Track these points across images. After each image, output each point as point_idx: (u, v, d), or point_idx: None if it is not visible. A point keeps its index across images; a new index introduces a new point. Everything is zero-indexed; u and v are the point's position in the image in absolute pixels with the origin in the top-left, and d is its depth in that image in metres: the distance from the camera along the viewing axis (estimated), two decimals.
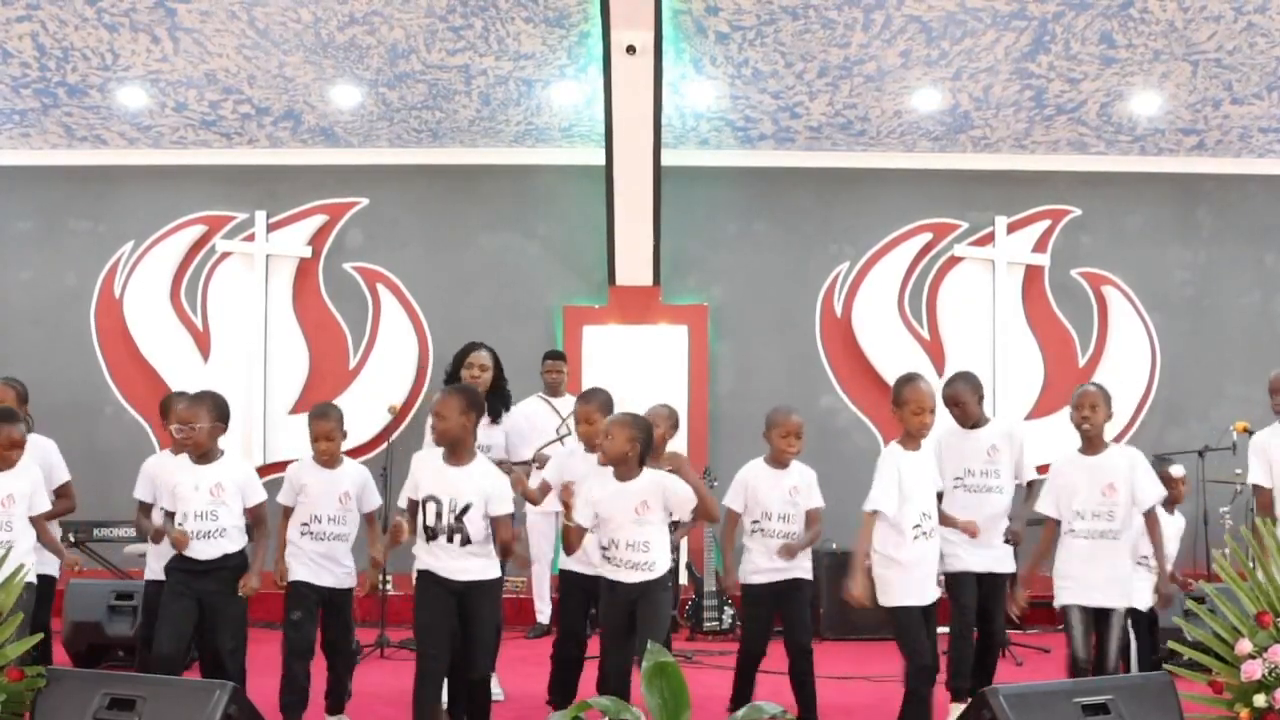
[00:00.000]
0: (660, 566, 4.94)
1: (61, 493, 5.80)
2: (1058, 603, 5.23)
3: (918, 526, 5.05)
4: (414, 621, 4.92)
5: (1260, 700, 4.26)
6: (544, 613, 8.13)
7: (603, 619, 5.10)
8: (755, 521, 5.53)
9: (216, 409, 5.18)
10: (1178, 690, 4.62)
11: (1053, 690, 4.69)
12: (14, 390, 5.89)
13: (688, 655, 7.02)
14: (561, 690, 5.60)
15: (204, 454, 5.21)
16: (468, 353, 6.33)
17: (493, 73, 8.43)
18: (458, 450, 4.86)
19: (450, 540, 4.79)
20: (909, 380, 5.16)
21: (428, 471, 4.87)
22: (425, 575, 4.87)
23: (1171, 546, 6.02)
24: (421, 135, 9.36)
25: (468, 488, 4.79)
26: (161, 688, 4.57)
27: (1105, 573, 5.13)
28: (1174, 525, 6.19)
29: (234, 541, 5.22)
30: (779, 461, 5.53)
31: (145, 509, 5.64)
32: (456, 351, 6.45)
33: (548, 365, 8.22)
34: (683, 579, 8.26)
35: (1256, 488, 6.17)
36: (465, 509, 4.79)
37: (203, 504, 5.11)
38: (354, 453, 9.11)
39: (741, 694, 5.55)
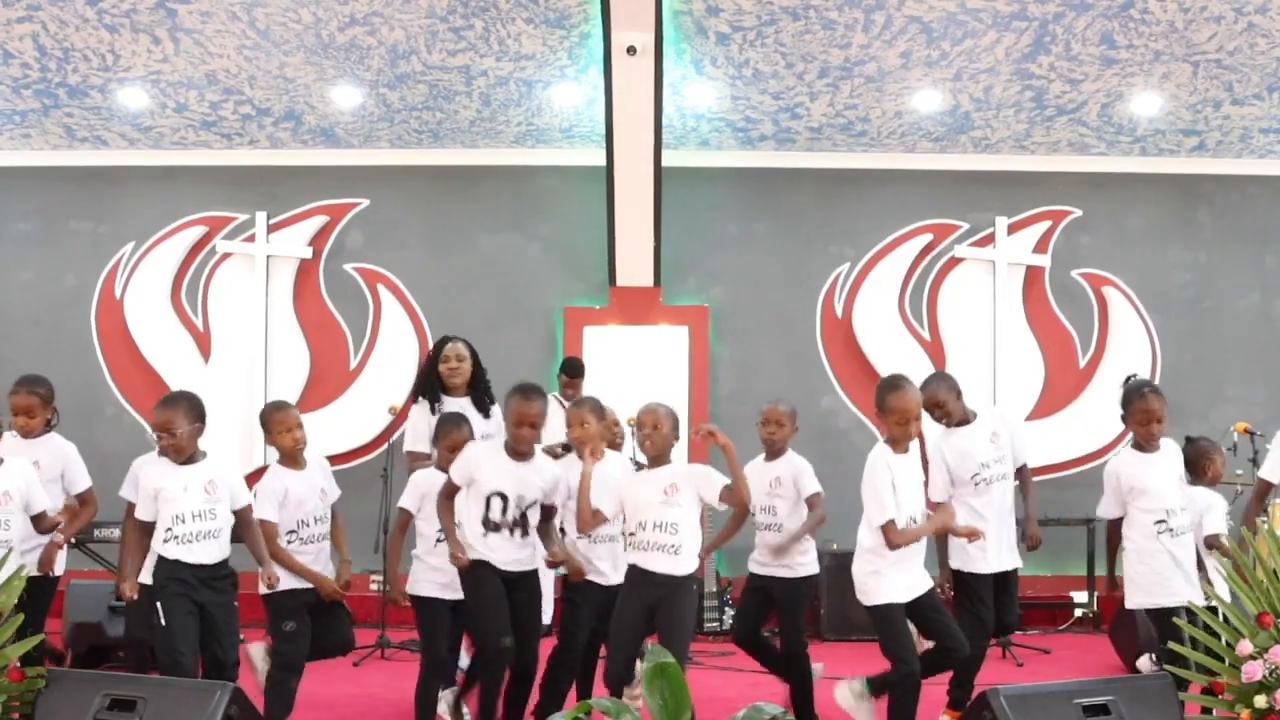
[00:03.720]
0: (688, 553, 4.89)
1: (83, 499, 5.76)
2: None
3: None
4: (472, 608, 5.00)
5: (1261, 701, 4.26)
6: (544, 613, 8.12)
7: (617, 612, 4.99)
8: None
9: (193, 410, 4.97)
10: (1178, 691, 4.62)
11: (1053, 691, 4.69)
12: (37, 396, 5.70)
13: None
14: (553, 696, 5.41)
15: (187, 456, 4.99)
16: (443, 345, 6.21)
17: (493, 74, 8.43)
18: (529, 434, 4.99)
19: (512, 534, 4.96)
20: (894, 388, 4.95)
21: (492, 467, 4.96)
22: (481, 565, 4.97)
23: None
24: (422, 136, 9.36)
25: (536, 485, 5.01)
26: (162, 688, 4.58)
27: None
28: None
29: (226, 548, 5.03)
30: (770, 452, 5.59)
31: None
32: (432, 346, 6.36)
33: (562, 379, 8.17)
34: None
35: (1263, 480, 5.87)
36: (531, 505, 4.99)
37: (198, 504, 4.92)
38: (354, 454, 9.18)
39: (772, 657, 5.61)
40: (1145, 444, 5.29)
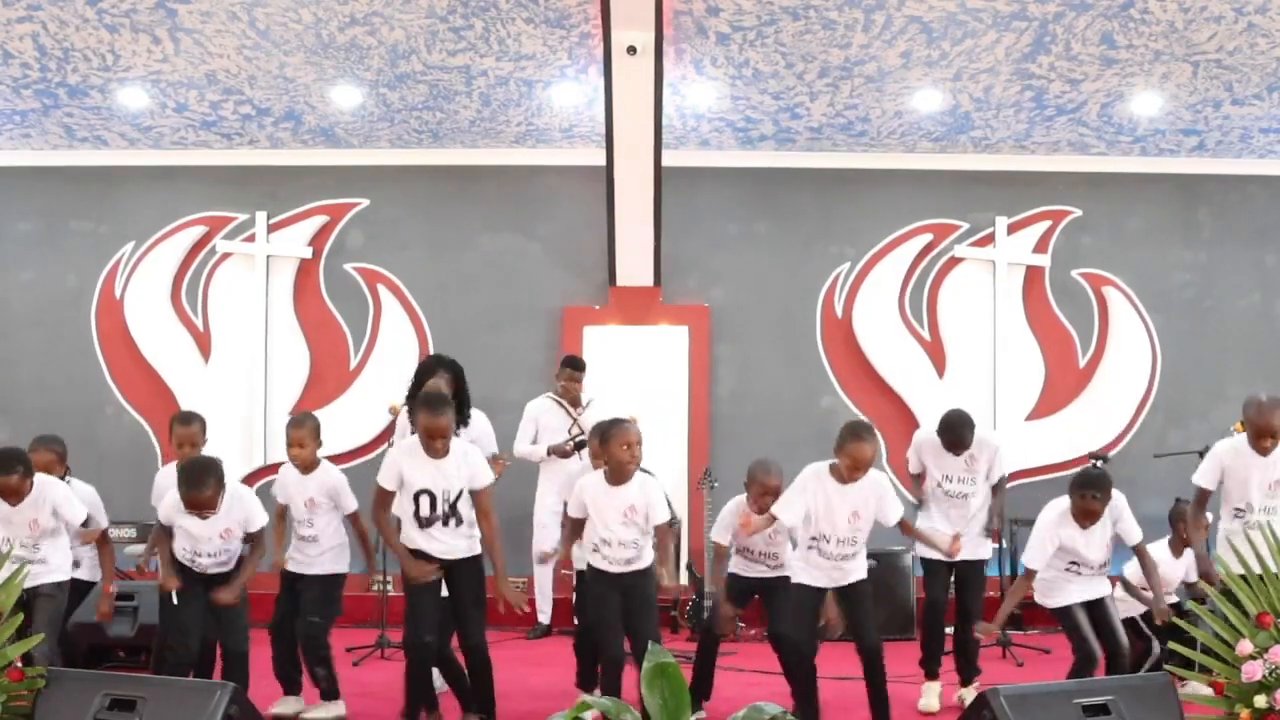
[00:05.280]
0: (648, 556, 5.39)
1: (101, 539, 5.86)
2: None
3: (813, 540, 5.39)
4: (406, 602, 5.27)
5: (1261, 701, 4.27)
6: (545, 613, 8.13)
7: (594, 605, 5.47)
8: (739, 551, 5.90)
9: (221, 479, 5.31)
10: (1178, 691, 4.62)
11: (1053, 690, 4.69)
12: (54, 452, 5.97)
13: (688, 656, 7.01)
14: (590, 679, 5.92)
15: None
16: (426, 375, 6.19)
17: (493, 73, 8.43)
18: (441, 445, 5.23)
19: (446, 525, 5.24)
20: (854, 435, 5.30)
21: (413, 467, 5.23)
22: (419, 558, 5.27)
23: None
24: (422, 136, 9.36)
25: (455, 477, 5.22)
26: (161, 688, 4.58)
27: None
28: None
29: (236, 559, 5.57)
30: (758, 511, 5.78)
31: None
32: (416, 369, 6.39)
33: (568, 373, 8.01)
34: (684, 579, 8.27)
35: (1200, 489, 6.11)
36: (458, 496, 5.23)
37: (215, 547, 5.42)
38: (355, 453, 9.17)
39: (701, 682, 5.93)
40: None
